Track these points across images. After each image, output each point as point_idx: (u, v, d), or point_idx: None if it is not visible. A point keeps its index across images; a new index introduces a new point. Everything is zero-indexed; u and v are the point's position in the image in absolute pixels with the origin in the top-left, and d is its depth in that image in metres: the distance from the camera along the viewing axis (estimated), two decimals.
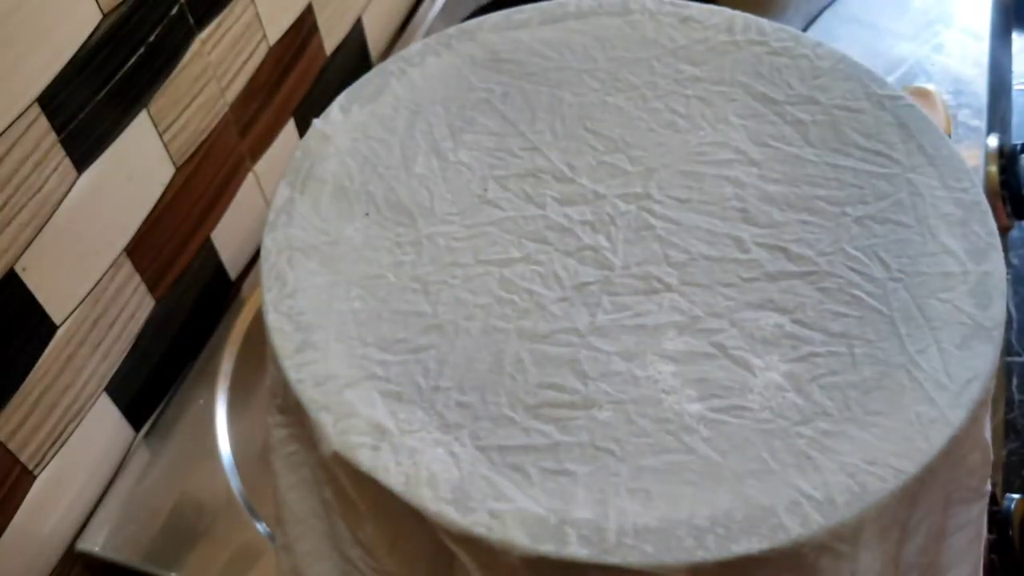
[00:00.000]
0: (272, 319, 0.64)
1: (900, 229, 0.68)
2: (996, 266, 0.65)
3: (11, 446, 0.72)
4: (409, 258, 0.68)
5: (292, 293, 0.65)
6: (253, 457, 0.81)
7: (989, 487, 0.64)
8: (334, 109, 0.75)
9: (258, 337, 0.87)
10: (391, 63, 0.78)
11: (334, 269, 0.67)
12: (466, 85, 0.78)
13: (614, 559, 0.54)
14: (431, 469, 0.58)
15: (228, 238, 0.91)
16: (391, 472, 0.57)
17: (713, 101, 0.76)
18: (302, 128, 0.98)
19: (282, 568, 0.65)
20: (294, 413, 0.63)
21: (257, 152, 0.92)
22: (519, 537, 0.55)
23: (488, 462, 0.59)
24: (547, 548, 0.55)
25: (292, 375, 0.61)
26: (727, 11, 0.80)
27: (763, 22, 0.79)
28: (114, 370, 0.81)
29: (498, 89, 0.78)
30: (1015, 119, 1.21)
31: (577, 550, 0.55)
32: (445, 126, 0.75)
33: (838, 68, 0.76)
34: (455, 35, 0.80)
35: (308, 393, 0.61)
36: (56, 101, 0.68)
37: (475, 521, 0.55)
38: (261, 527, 0.77)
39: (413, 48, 0.79)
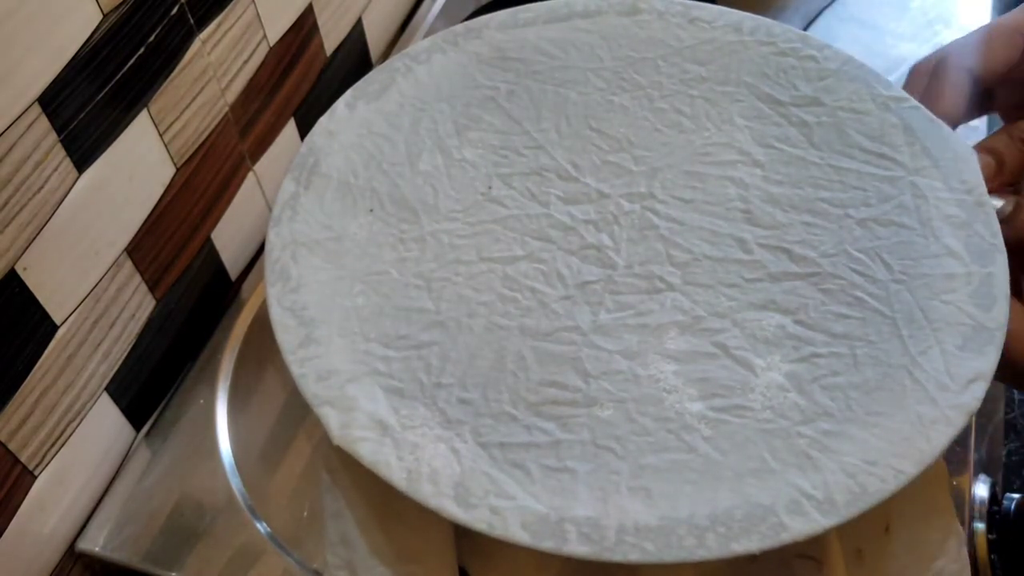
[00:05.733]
0: (276, 314, 0.64)
1: (903, 231, 0.68)
2: (999, 267, 0.64)
3: (11, 446, 0.71)
4: (412, 255, 0.68)
5: (296, 288, 0.65)
6: (253, 457, 0.81)
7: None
8: (340, 106, 0.75)
9: (258, 337, 0.87)
10: (397, 60, 0.78)
11: (338, 264, 0.67)
12: (472, 83, 0.78)
13: (614, 557, 0.54)
14: (433, 465, 0.58)
15: (228, 238, 0.91)
16: (393, 467, 0.57)
17: (718, 102, 0.76)
18: (302, 128, 0.98)
19: None
20: None
21: (257, 152, 0.92)
22: (519, 534, 0.55)
23: (489, 459, 0.59)
24: (547, 545, 0.55)
25: (295, 370, 0.61)
26: (736, 12, 0.80)
27: (772, 23, 0.79)
28: (114, 370, 0.81)
29: (504, 87, 0.77)
30: None
31: (577, 547, 0.55)
32: (450, 123, 0.75)
33: (844, 70, 0.76)
34: (461, 33, 0.80)
35: (311, 388, 0.61)
36: (56, 101, 0.68)
37: (476, 517, 0.55)
38: (261, 527, 0.77)
39: (419, 46, 0.79)
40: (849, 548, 0.63)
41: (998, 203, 0.68)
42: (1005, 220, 0.67)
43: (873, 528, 0.63)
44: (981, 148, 0.71)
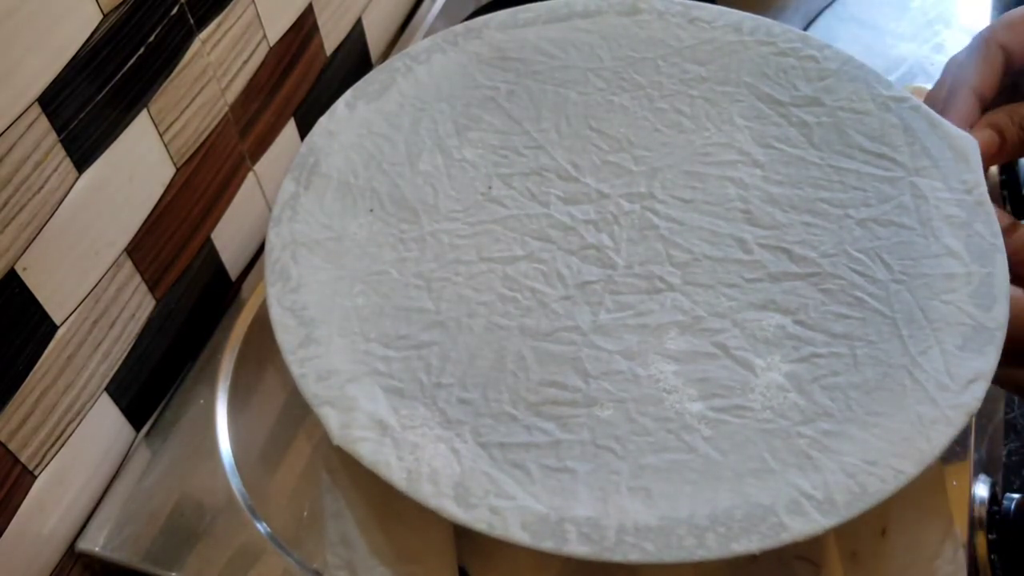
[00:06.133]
0: (276, 314, 0.64)
1: (903, 231, 0.68)
2: (999, 267, 0.64)
3: (11, 446, 0.71)
4: (413, 255, 0.68)
5: (296, 288, 0.65)
6: (253, 457, 0.81)
7: None
8: (340, 106, 0.75)
9: (258, 337, 0.87)
10: (397, 60, 0.78)
11: (338, 264, 0.67)
12: (472, 83, 0.78)
13: (614, 557, 0.54)
14: (433, 465, 0.58)
15: (228, 238, 0.91)
16: (393, 467, 0.57)
17: (718, 102, 0.76)
18: (302, 128, 0.98)
19: None
20: None
21: (257, 152, 0.92)
22: (519, 534, 0.55)
23: (489, 459, 0.59)
24: (547, 545, 0.55)
25: (295, 370, 0.61)
26: (736, 12, 0.80)
27: (772, 23, 0.79)
28: (114, 370, 0.80)
29: (504, 87, 0.78)
30: None
31: (577, 548, 0.55)
32: (450, 123, 0.75)
33: (844, 70, 0.76)
34: (461, 33, 0.80)
35: (311, 388, 0.61)
36: (56, 101, 0.68)
37: (476, 517, 0.55)
38: (261, 527, 0.77)
39: (419, 45, 0.79)
40: (844, 551, 0.63)
41: None
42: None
43: (869, 531, 0.63)
44: (984, 123, 0.72)
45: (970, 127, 0.72)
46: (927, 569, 0.62)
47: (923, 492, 0.61)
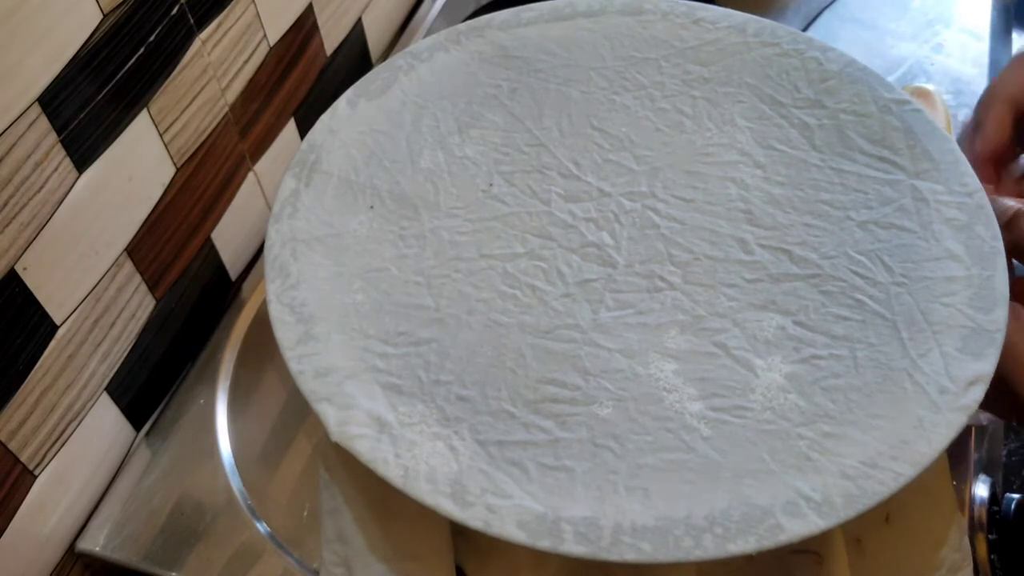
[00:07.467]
0: (275, 310, 0.64)
1: (904, 234, 0.68)
2: (1000, 270, 0.64)
3: (11, 446, 0.71)
4: (412, 251, 0.68)
5: (295, 284, 0.65)
6: (253, 457, 0.81)
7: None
8: (342, 103, 0.75)
9: (258, 337, 0.87)
10: (399, 58, 0.78)
11: (337, 261, 0.67)
12: (474, 81, 0.78)
13: (611, 557, 0.54)
14: (430, 462, 0.57)
15: (228, 238, 0.91)
16: (390, 464, 0.57)
17: (720, 103, 0.76)
18: (302, 128, 0.98)
19: None
20: None
21: (257, 152, 0.92)
22: (515, 532, 0.55)
23: (487, 457, 0.58)
24: (543, 544, 0.54)
25: (293, 366, 0.61)
26: (740, 14, 0.80)
27: (776, 25, 0.79)
28: (114, 370, 0.81)
29: (506, 85, 0.78)
30: None
31: (573, 547, 0.54)
32: (452, 121, 0.75)
33: (846, 72, 0.76)
34: (464, 31, 0.80)
35: (309, 384, 0.60)
36: (56, 101, 0.68)
37: (472, 515, 0.55)
38: (261, 527, 0.77)
39: (422, 44, 0.79)
40: (849, 538, 0.63)
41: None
42: (1005, 226, 0.67)
43: (873, 518, 0.62)
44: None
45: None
46: (933, 556, 0.62)
47: (926, 479, 0.61)
